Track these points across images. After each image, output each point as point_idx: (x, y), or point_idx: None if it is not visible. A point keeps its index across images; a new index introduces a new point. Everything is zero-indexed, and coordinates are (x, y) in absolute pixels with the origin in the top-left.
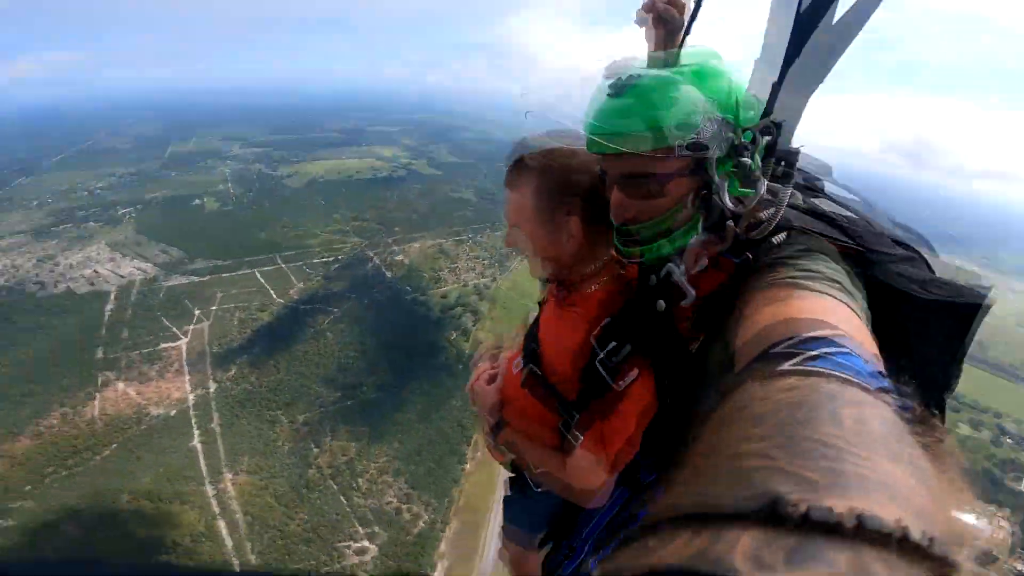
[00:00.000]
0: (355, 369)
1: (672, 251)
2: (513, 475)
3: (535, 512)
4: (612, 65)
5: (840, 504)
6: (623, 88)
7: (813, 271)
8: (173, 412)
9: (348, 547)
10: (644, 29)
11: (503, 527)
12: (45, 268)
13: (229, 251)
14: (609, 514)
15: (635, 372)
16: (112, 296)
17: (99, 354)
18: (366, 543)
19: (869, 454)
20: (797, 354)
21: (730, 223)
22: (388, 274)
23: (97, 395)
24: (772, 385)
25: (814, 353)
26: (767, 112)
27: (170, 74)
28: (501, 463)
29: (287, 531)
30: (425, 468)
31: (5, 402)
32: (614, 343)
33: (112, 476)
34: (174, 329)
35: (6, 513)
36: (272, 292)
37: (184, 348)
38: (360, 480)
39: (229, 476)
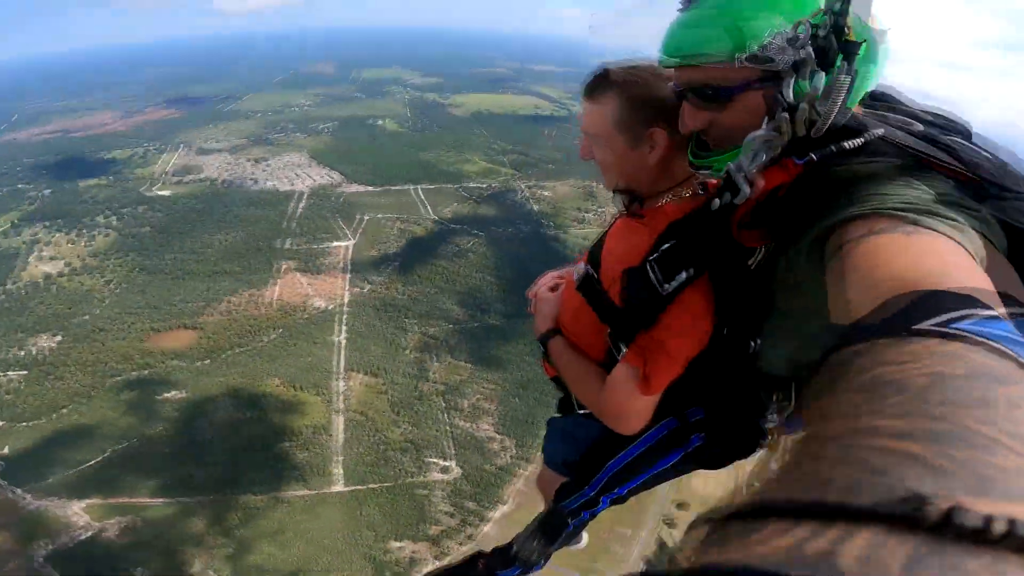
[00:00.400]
0: (487, 294)
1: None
2: (562, 395)
3: (574, 437)
4: None
5: (988, 507)
6: (689, 2)
7: (910, 201)
8: (331, 306)
9: (436, 464)
10: None
11: (543, 448)
12: (260, 167)
13: (399, 168)
14: (638, 450)
15: (683, 275)
16: (304, 196)
17: (286, 244)
18: (452, 463)
19: None
20: (931, 311)
21: (784, 114)
22: (535, 207)
23: (278, 281)
24: (906, 348)
25: (956, 314)
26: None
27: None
28: (551, 379)
29: (389, 438)
30: (526, 404)
31: (209, 278)
32: (668, 243)
33: (270, 360)
34: (346, 230)
35: (183, 384)
36: (429, 208)
37: (350, 248)
38: (465, 402)
39: (359, 375)
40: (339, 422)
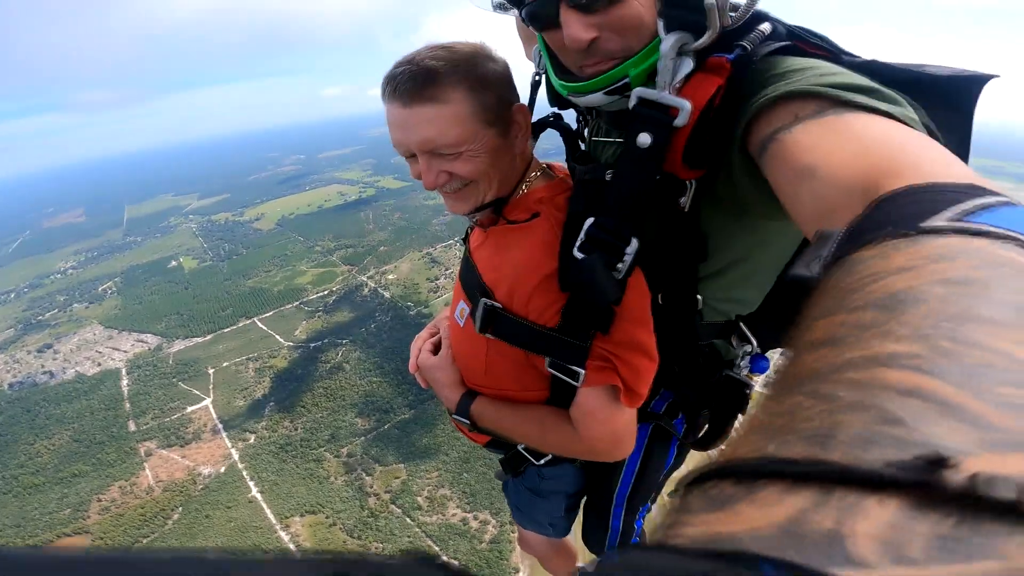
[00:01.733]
0: (382, 394)
1: (639, 73)
2: (502, 455)
3: (546, 491)
4: None
5: None
6: None
7: (840, 75)
8: (223, 469)
9: None
10: None
11: (512, 515)
12: (47, 357)
13: (222, 306)
14: (636, 462)
15: (634, 243)
16: (123, 371)
17: (132, 427)
18: (443, 558)
19: None
20: (938, 204)
21: (710, 1)
22: (386, 294)
23: (146, 465)
24: (920, 250)
25: (968, 205)
26: None
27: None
28: (485, 446)
29: None
30: (476, 474)
31: (59, 485)
32: (591, 219)
33: (188, 537)
34: (195, 391)
35: None
36: (278, 337)
37: (211, 407)
38: (419, 499)
39: (297, 519)
40: None
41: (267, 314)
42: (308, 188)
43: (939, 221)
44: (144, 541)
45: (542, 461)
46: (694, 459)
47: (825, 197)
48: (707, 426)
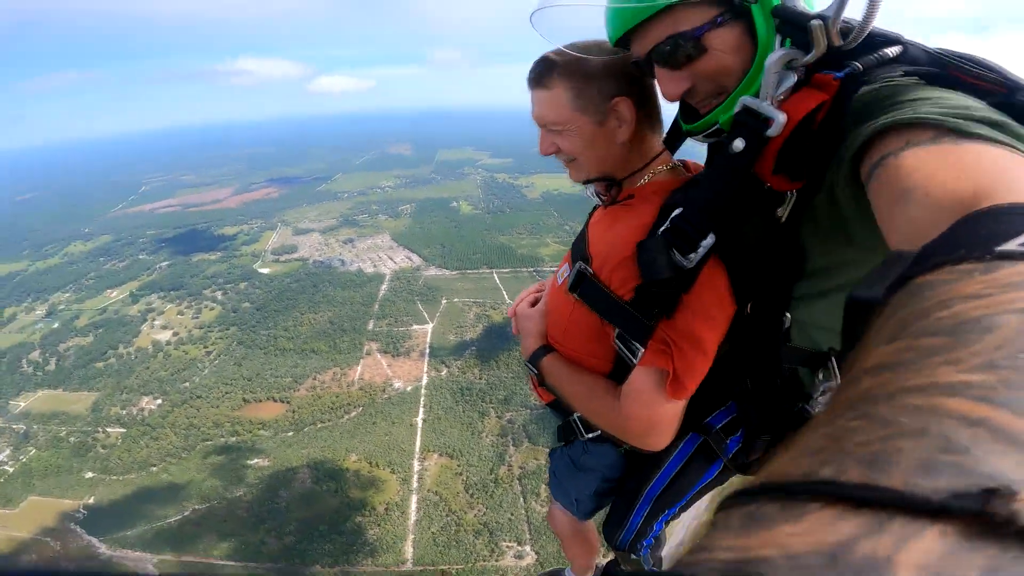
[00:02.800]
0: None
1: (727, 119)
2: (561, 422)
3: (584, 467)
4: None
5: None
6: None
7: (966, 107)
8: (409, 388)
9: (510, 548)
10: None
11: (548, 483)
12: (347, 248)
13: (476, 251)
14: (672, 470)
15: (709, 239)
16: (387, 278)
17: (370, 325)
18: (528, 548)
19: None
20: (1017, 230)
21: (815, 23)
22: None
23: (361, 361)
24: (989, 276)
25: None
26: None
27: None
28: (547, 405)
29: (463, 519)
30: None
31: (298, 355)
32: (679, 209)
33: (350, 436)
34: (425, 314)
35: (268, 452)
36: (505, 294)
37: (429, 332)
38: (542, 488)
39: (435, 456)
40: (413, 501)
41: (504, 271)
42: None
43: (1013, 245)
44: (317, 426)
45: (590, 435)
46: (736, 482)
47: (917, 220)
48: (761, 454)
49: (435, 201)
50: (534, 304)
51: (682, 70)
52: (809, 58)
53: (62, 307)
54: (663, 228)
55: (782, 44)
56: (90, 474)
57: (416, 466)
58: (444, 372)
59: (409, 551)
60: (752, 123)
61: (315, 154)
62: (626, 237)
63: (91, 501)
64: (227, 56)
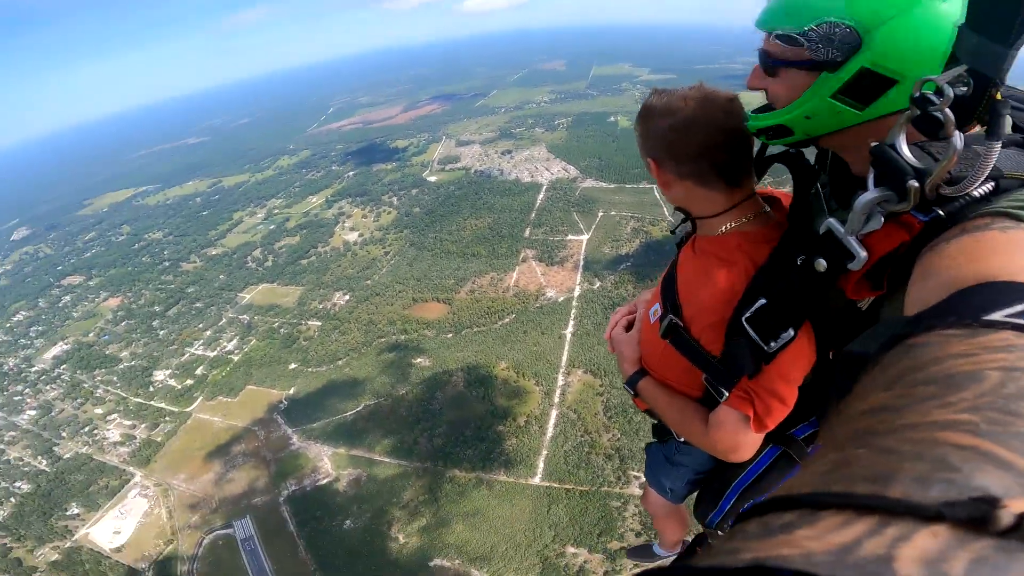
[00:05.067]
0: None
1: (790, 121)
2: (656, 422)
3: (676, 463)
4: None
5: None
6: None
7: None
8: (561, 299)
9: (638, 478)
10: None
11: (645, 472)
12: (506, 159)
13: (634, 164)
14: (761, 466)
15: (789, 333)
16: (544, 188)
17: (527, 233)
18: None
19: None
20: (1004, 302)
21: (913, 183)
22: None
23: (517, 268)
24: (976, 340)
25: None
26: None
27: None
28: (644, 411)
29: (597, 441)
30: None
31: (461, 258)
32: (763, 301)
33: (502, 342)
34: (581, 225)
35: (430, 352)
36: (666, 210)
37: (585, 243)
38: None
39: (579, 372)
40: (552, 416)
41: None
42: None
43: (998, 315)
44: (474, 329)
45: (683, 439)
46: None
47: (925, 295)
48: None
49: (592, 115)
50: (628, 327)
51: (760, 77)
52: (900, 208)
53: (276, 211)
54: (748, 314)
55: (875, 184)
56: (293, 365)
57: (560, 380)
58: (597, 285)
59: (540, 466)
60: (836, 250)
61: (472, 72)
62: (714, 303)
63: (292, 392)
64: None
